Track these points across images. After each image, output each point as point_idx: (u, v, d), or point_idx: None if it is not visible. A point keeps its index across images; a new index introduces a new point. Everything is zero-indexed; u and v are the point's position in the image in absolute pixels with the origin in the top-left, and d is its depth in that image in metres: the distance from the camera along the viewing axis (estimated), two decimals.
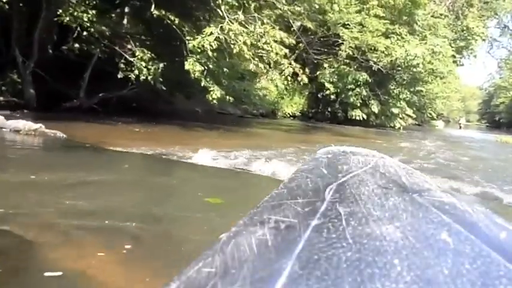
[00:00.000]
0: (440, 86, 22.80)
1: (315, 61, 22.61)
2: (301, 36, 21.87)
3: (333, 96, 21.16)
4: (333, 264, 0.34)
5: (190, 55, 9.21)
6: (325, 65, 21.17)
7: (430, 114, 36.90)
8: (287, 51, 9.26)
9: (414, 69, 19.45)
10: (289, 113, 22.41)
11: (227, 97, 10.31)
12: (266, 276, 0.33)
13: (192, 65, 8.95)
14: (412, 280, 0.31)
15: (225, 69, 10.10)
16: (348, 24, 19.89)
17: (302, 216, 0.44)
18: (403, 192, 0.53)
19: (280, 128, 16.19)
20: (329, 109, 22.68)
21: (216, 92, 9.65)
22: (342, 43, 19.87)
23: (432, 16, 21.73)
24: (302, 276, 0.32)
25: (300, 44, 21.93)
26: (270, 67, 17.66)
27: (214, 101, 10.12)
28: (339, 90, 21.02)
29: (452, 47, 23.18)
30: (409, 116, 25.87)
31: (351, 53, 19.67)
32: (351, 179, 0.58)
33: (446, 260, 0.34)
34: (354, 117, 21.18)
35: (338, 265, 0.33)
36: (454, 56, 23.97)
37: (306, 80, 10.24)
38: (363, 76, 20.13)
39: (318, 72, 21.41)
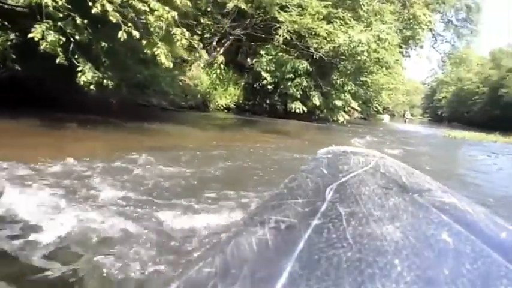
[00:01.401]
0: (386, 76, 20.89)
1: (251, 48, 20.12)
2: (236, 19, 19.41)
3: (270, 87, 18.63)
4: (333, 264, 0.34)
5: (45, 20, 6.35)
6: (262, 52, 18.60)
7: (376, 107, 35.43)
8: (175, 14, 6.51)
9: (359, 58, 17.26)
10: (222, 105, 19.69)
11: (109, 82, 7.46)
12: (266, 276, 0.33)
13: (39, 34, 6.09)
14: (412, 280, 0.31)
15: (103, 44, 7.22)
16: (287, 7, 17.43)
17: (302, 216, 0.44)
18: (404, 193, 0.51)
19: (198, 123, 13.46)
20: (267, 101, 20.16)
21: (86, 74, 6.83)
22: (280, 27, 17.39)
23: (378, 1, 19.59)
24: (302, 276, 0.32)
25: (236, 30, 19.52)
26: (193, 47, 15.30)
27: (92, 86, 7.26)
28: (276, 80, 18.52)
29: (399, 36, 21.35)
30: (354, 109, 23.91)
31: (288, 38, 17.21)
32: (351, 179, 0.56)
33: (446, 260, 0.35)
34: (293, 110, 18.78)
35: (338, 265, 0.34)
36: (400, 47, 22.11)
37: (206, 56, 7.70)
38: (303, 65, 17.74)
39: (254, 60, 18.85)
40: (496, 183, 6.90)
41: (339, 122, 19.49)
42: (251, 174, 5.32)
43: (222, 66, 18.84)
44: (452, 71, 63.21)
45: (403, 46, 23.02)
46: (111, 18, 6.05)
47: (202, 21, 19.08)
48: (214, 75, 19.04)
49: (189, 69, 19.67)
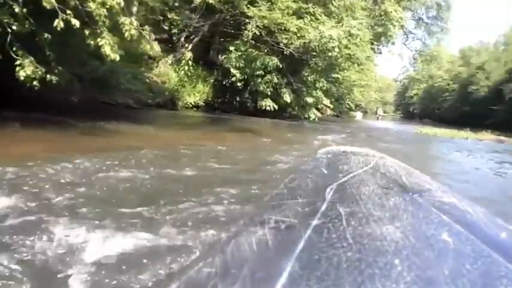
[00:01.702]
0: (358, 73, 20.62)
1: (222, 44, 19.55)
2: (205, 15, 18.80)
3: (240, 84, 18.08)
4: (334, 264, 0.35)
5: None
6: (231, 48, 18.02)
7: (349, 104, 35.37)
8: (121, 1, 5.88)
9: (330, 54, 16.88)
10: (191, 103, 19.02)
11: (53, 78, 6.75)
12: (266, 276, 0.34)
13: None
14: (412, 280, 0.32)
15: (46, 35, 6.52)
16: (256, 1, 16.92)
17: (302, 216, 0.44)
18: (404, 193, 0.51)
19: (163, 122, 12.85)
20: (237, 99, 19.58)
21: (26, 68, 6.14)
22: (249, 23, 16.87)
23: None
24: (302, 277, 0.33)
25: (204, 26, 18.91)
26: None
27: (36, 82, 6.57)
28: (246, 77, 17.98)
29: (370, 32, 21.11)
30: (326, 106, 23.61)
31: (258, 33, 16.71)
32: (352, 179, 0.55)
33: (446, 260, 0.35)
34: (264, 108, 18.28)
35: (338, 265, 0.34)
36: (372, 43, 21.90)
37: (157, 48, 7.07)
38: (273, 61, 17.24)
39: (223, 57, 18.27)
40: (472, 182, 6.57)
41: (311, 119, 19.09)
42: (215, 178, 4.76)
43: (190, 62, 18.27)
44: (423, 69, 64.15)
45: (375, 43, 22.83)
46: (44, 4, 5.38)
47: (169, 16, 18.37)
48: (182, 72, 18.38)
49: (157, 66, 18.98)
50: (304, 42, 16.90)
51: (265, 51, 17.95)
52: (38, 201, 3.03)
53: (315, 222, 0.42)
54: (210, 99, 19.63)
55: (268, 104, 18.09)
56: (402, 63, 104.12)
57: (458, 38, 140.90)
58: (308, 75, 18.59)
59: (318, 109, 32.16)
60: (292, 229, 0.41)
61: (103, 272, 2.06)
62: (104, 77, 10.62)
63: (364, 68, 20.48)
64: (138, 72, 17.22)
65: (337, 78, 19.50)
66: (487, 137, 17.77)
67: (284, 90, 18.22)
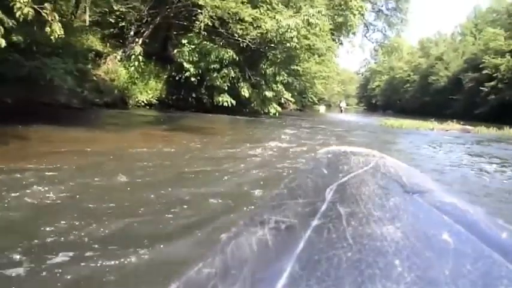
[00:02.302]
0: (318, 64, 19.71)
1: (175, 38, 18.26)
2: (155, 6, 17.48)
3: (194, 79, 16.80)
4: (334, 264, 0.34)
5: None
6: (184, 41, 16.74)
7: (311, 98, 34.67)
8: None
9: (288, 44, 15.88)
10: (143, 101, 17.64)
11: None
12: (266, 277, 0.34)
13: None
14: (412, 281, 0.32)
15: None
16: None
17: (302, 216, 0.44)
18: (404, 193, 0.51)
19: (105, 123, 11.52)
20: (193, 95, 18.33)
21: None
22: (201, 13, 15.66)
23: None
24: (302, 277, 0.33)
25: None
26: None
27: None
28: (201, 72, 16.76)
29: (330, 23, 20.30)
30: (288, 100, 22.66)
31: (211, 24, 15.53)
32: (352, 179, 0.55)
33: (447, 260, 0.35)
34: (221, 104, 17.12)
35: (338, 266, 0.34)
36: (332, 33, 21.09)
37: (59, 31, 5.79)
38: (229, 53, 16.08)
39: (175, 51, 16.98)
40: (458, 181, 5.74)
41: (271, 114, 18.05)
42: (154, 188, 3.96)
43: (140, 58, 16.91)
44: (384, 61, 64.52)
45: (335, 33, 22.04)
46: None
47: (115, 8, 16.92)
48: (132, 68, 16.96)
49: (104, 63, 17.53)
50: (261, 33, 15.85)
51: (221, 43, 16.78)
52: None
53: (315, 222, 0.40)
54: (163, 96, 18.28)
55: (225, 99, 16.94)
56: (363, 56, 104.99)
57: (417, 30, 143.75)
58: (267, 68, 17.52)
59: (280, 104, 31.29)
60: (292, 229, 0.40)
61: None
62: (32, 74, 9.20)
63: (325, 59, 19.60)
64: (85, 70, 15.83)
65: (297, 70, 18.50)
66: (453, 127, 17.23)
67: (242, 84, 17.13)
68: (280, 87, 19.20)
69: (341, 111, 41.33)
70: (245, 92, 16.95)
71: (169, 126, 11.81)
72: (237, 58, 16.62)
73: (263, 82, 17.53)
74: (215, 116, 16.58)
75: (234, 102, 16.95)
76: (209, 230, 2.74)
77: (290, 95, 20.88)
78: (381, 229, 0.40)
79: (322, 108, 44.08)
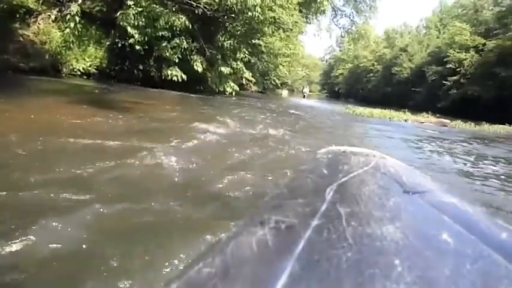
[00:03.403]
0: (283, 40, 17.40)
1: None
2: None
3: (139, 48, 14.21)
4: (334, 264, 0.34)
5: None
6: (130, 3, 14.06)
7: (274, 81, 32.56)
8: None
9: (250, 14, 13.52)
10: (80, 70, 14.91)
11: None
12: (266, 277, 0.34)
13: None
14: (412, 281, 0.31)
15: None
16: None
17: (302, 216, 0.44)
18: (404, 193, 0.51)
19: (21, 93, 8.89)
20: (140, 67, 15.75)
21: None
22: None
23: None
24: (302, 277, 0.32)
25: None
26: None
27: None
28: (147, 40, 14.19)
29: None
30: (248, 80, 20.38)
31: None
32: (352, 179, 0.55)
33: (447, 260, 0.35)
34: (170, 78, 14.65)
35: (338, 266, 0.34)
36: (300, 10, 18.84)
37: None
38: (181, 20, 13.58)
39: (118, 13, 14.26)
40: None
41: (227, 93, 15.73)
42: None
43: (77, 18, 14.12)
44: (349, 49, 63.16)
45: (303, 10, 19.80)
46: None
47: None
48: (68, 30, 14.12)
49: (34, 22, 14.63)
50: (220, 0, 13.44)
51: (173, 8, 14.22)
52: None
53: (315, 222, 0.40)
54: (104, 66, 15.55)
55: (175, 73, 14.48)
56: (329, 42, 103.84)
57: (383, 20, 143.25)
58: (225, 41, 15.10)
59: (241, 85, 28.96)
60: (292, 229, 0.39)
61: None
62: None
63: (290, 35, 17.35)
64: (9, 28, 13.08)
65: (259, 45, 16.18)
66: (428, 119, 15.48)
67: (195, 57, 14.69)
68: (241, 65, 16.90)
69: (304, 96, 39.60)
70: (198, 66, 14.52)
71: (97, 99, 9.35)
72: (191, 27, 14.16)
73: (219, 56, 15.10)
74: (162, 91, 14.12)
75: (185, 77, 14.50)
76: None
77: (251, 74, 18.57)
78: (381, 229, 0.38)
79: (284, 93, 42.19)
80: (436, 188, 0.59)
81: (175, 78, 14.42)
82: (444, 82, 36.18)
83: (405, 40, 52.07)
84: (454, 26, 37.88)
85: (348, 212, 0.43)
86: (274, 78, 31.02)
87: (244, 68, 17.26)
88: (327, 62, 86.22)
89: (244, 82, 25.85)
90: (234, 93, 15.97)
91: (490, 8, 36.70)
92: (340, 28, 39.60)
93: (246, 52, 16.64)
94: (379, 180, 0.58)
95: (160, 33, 13.83)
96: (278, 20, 14.88)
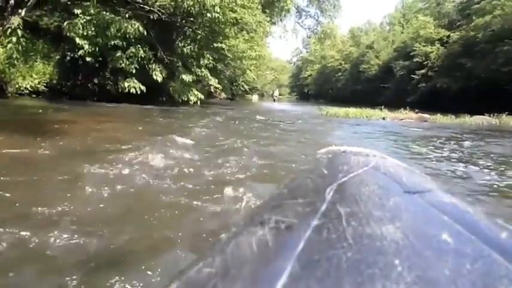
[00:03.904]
0: (247, 42, 16.23)
1: (68, 7, 14.10)
2: None
3: (89, 59, 12.84)
4: (333, 264, 0.34)
5: None
6: (78, 11, 12.69)
7: (243, 86, 31.48)
8: None
9: (209, 15, 12.34)
10: (28, 88, 13.42)
11: None
12: (266, 276, 0.34)
13: None
14: (412, 281, 0.31)
15: None
16: None
17: (302, 216, 0.44)
18: (404, 193, 0.52)
19: None
20: (95, 80, 14.37)
21: None
22: None
23: None
24: (302, 277, 0.32)
25: None
26: None
27: None
28: (99, 50, 12.85)
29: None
30: (215, 87, 19.18)
31: None
32: (352, 179, 0.56)
33: (447, 260, 0.35)
34: (128, 90, 13.33)
35: (338, 266, 0.34)
36: (264, 11, 17.81)
37: None
38: (133, 26, 12.31)
39: (65, 23, 12.87)
40: None
41: (192, 102, 14.48)
42: None
43: (19, 32, 12.67)
44: (315, 50, 62.85)
45: (267, 11, 18.78)
46: None
47: None
48: (10, 45, 12.65)
49: None
50: (175, 2, 12.24)
51: (126, 15, 12.93)
52: None
53: (315, 222, 0.40)
54: (55, 82, 14.09)
55: (133, 85, 13.18)
56: (296, 45, 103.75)
57: (347, 19, 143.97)
58: (185, 46, 13.86)
59: (209, 93, 27.74)
60: (292, 229, 0.39)
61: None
62: None
63: (255, 36, 16.23)
64: None
65: (221, 48, 14.98)
66: (407, 115, 14.58)
67: (154, 66, 13.41)
68: (205, 72, 15.72)
69: (274, 100, 38.70)
70: (158, 76, 13.26)
71: (40, 121, 8.02)
72: (147, 33, 12.92)
73: (180, 64, 13.86)
74: (119, 106, 12.80)
75: (144, 88, 13.20)
76: None
77: (217, 81, 17.37)
78: (381, 229, 0.38)
79: (254, 98, 41.22)
80: (436, 188, 0.57)
81: (133, 91, 13.12)
82: (412, 76, 35.98)
83: (370, 37, 51.95)
84: (418, 20, 37.77)
85: (348, 212, 0.42)
86: (243, 83, 29.91)
87: (209, 74, 16.09)
88: (294, 64, 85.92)
89: (212, 90, 24.67)
90: (199, 102, 14.73)
91: (452, 0, 36.73)
92: (305, 29, 39.09)
93: (210, 58, 15.49)
94: (379, 180, 0.56)
95: (113, 42, 12.53)
96: (240, 21, 13.76)
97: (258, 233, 0.41)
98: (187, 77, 13.60)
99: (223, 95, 29.51)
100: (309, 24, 39.27)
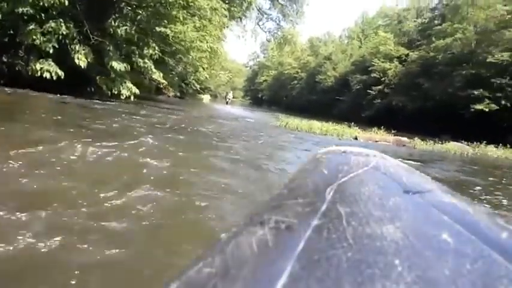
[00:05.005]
0: (199, 30, 13.47)
1: None
2: None
3: None
4: (334, 264, 0.34)
5: None
6: None
7: (194, 85, 28.73)
8: None
9: None
10: None
11: None
12: (266, 276, 0.34)
13: None
14: (412, 281, 0.31)
15: None
16: None
17: (302, 216, 0.43)
18: (404, 193, 0.50)
19: None
20: (3, 59, 11.20)
21: None
22: None
23: None
24: (302, 277, 0.32)
25: None
26: None
27: None
28: (3, 19, 9.77)
29: None
30: (160, 82, 16.33)
31: None
32: (352, 179, 0.54)
33: (447, 260, 0.35)
34: (41, 74, 10.29)
35: (338, 266, 0.34)
36: (224, 1, 15.24)
37: None
38: None
39: None
40: None
41: (123, 97, 11.59)
42: None
43: None
44: (273, 56, 61.11)
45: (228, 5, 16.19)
46: None
47: None
48: None
49: None
50: None
51: None
52: None
53: (315, 222, 0.39)
54: None
55: (46, 68, 10.16)
56: (253, 48, 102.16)
57: (306, 29, 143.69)
58: (118, 27, 10.95)
59: (158, 89, 24.74)
60: (292, 229, 0.39)
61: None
62: None
63: (208, 25, 13.55)
64: None
65: (165, 33, 12.22)
66: (383, 137, 12.37)
67: (77, 47, 10.45)
68: (149, 63, 12.93)
69: (227, 102, 36.21)
70: (80, 60, 10.30)
71: None
72: (72, 5, 9.98)
73: (111, 48, 10.95)
74: (29, 94, 9.77)
75: (61, 73, 10.21)
76: None
77: (162, 75, 14.56)
78: (381, 229, 0.37)
79: (206, 98, 38.44)
80: (436, 188, 0.54)
81: (47, 75, 10.10)
82: (369, 91, 34.78)
83: (329, 49, 50.73)
84: (378, 35, 36.69)
85: (348, 212, 0.41)
86: (194, 81, 27.15)
87: (153, 67, 13.31)
88: (251, 68, 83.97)
89: (162, 86, 21.76)
90: (132, 97, 11.87)
91: (413, 19, 35.92)
92: (265, 32, 37.08)
93: (156, 48, 12.72)
94: (379, 180, 0.53)
95: (23, 10, 9.48)
96: (192, 4, 11.10)
97: (258, 233, 0.39)
98: (118, 65, 10.71)
99: (172, 92, 26.66)
100: (269, 28, 37.31)
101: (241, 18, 28.82)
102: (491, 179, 7.08)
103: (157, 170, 3.80)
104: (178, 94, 27.75)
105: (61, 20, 10.24)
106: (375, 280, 0.30)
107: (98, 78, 11.11)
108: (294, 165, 5.22)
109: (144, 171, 3.71)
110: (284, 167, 5.23)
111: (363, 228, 0.38)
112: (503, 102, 22.23)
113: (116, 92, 11.26)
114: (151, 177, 3.48)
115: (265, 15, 36.25)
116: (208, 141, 6.78)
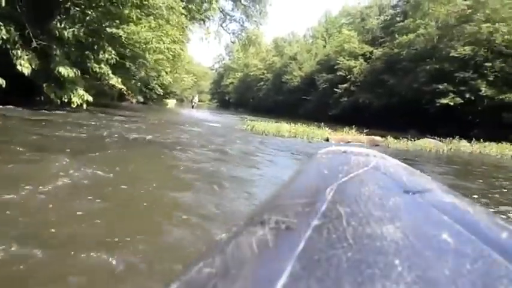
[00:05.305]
0: (154, 30, 12.60)
1: None
2: None
3: None
4: (334, 264, 0.34)
5: None
6: None
7: (158, 90, 27.68)
8: None
9: None
10: None
11: None
12: (266, 277, 0.34)
13: None
14: (412, 281, 0.31)
15: None
16: None
17: (302, 216, 0.43)
18: (404, 193, 0.50)
19: None
20: None
21: None
22: None
23: None
24: (302, 277, 0.33)
25: None
26: None
27: None
28: None
29: None
30: (118, 86, 15.33)
31: None
32: (352, 179, 0.55)
33: (447, 260, 0.35)
34: None
35: (338, 266, 0.34)
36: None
37: None
38: None
39: None
40: None
41: (74, 105, 10.61)
42: None
43: None
44: (239, 57, 60.47)
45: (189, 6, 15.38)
46: None
47: None
48: None
49: None
50: None
51: None
52: None
53: (315, 222, 0.39)
54: None
55: None
56: (218, 51, 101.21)
57: (271, 30, 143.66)
58: (65, 29, 9.98)
59: (121, 95, 23.59)
60: (292, 229, 0.39)
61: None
62: None
63: (164, 25, 12.69)
64: None
65: (116, 34, 11.33)
66: (355, 137, 11.81)
67: (19, 53, 9.44)
68: (105, 68, 12.00)
69: (193, 106, 35.24)
70: (24, 66, 9.30)
71: None
72: (12, 7, 8.99)
73: (58, 52, 9.99)
74: None
75: (2, 82, 9.19)
76: None
77: (120, 80, 13.61)
78: (381, 229, 0.37)
79: (172, 103, 37.33)
80: (436, 187, 0.55)
81: None
82: (335, 90, 34.66)
83: (294, 49, 50.53)
84: (342, 33, 36.65)
85: (348, 212, 0.42)
86: (157, 86, 26.14)
87: (110, 72, 12.38)
88: (216, 71, 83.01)
89: (125, 92, 20.69)
90: (85, 105, 10.92)
91: (376, 17, 36.07)
92: (229, 33, 36.41)
93: (113, 52, 11.81)
94: (379, 180, 0.54)
95: None
96: (145, 3, 10.28)
97: (258, 233, 0.39)
98: (67, 71, 9.73)
99: (136, 98, 25.58)
100: (233, 29, 36.66)
101: (204, 21, 28.01)
102: (480, 181, 6.64)
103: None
104: (142, 100, 26.69)
105: (0, 23, 9.23)
106: (375, 280, 0.30)
107: (44, 85, 10.11)
108: (260, 188, 4.49)
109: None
110: (250, 190, 4.48)
111: (363, 228, 0.38)
112: (467, 95, 22.36)
113: (66, 100, 10.28)
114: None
115: (228, 17, 35.58)
116: (159, 154, 5.96)
